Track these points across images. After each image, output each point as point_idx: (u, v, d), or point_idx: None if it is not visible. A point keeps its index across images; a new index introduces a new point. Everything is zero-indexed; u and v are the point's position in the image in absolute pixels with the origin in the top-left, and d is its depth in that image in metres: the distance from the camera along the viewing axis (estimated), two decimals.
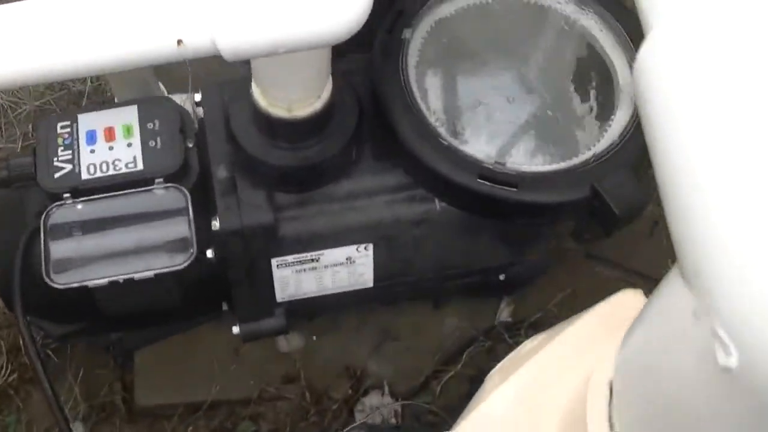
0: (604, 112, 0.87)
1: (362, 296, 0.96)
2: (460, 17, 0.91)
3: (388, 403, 1.11)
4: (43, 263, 0.79)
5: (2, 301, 0.91)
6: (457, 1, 0.91)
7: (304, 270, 0.90)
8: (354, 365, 1.13)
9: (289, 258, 0.89)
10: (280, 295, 0.94)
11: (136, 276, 0.80)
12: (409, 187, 0.87)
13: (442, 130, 0.84)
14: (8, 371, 1.12)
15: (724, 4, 0.39)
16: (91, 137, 0.83)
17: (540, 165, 0.84)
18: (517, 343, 0.78)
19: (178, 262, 0.81)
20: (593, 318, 0.67)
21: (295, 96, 0.78)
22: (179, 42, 0.57)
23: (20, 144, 1.27)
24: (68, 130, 0.84)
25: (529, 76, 0.92)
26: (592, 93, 0.89)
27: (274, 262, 0.89)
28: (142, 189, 0.82)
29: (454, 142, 0.84)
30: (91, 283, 0.80)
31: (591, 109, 0.89)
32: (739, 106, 0.37)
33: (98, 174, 0.81)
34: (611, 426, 0.53)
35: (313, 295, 0.95)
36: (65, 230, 0.81)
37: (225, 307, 0.99)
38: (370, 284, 0.94)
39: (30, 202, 0.85)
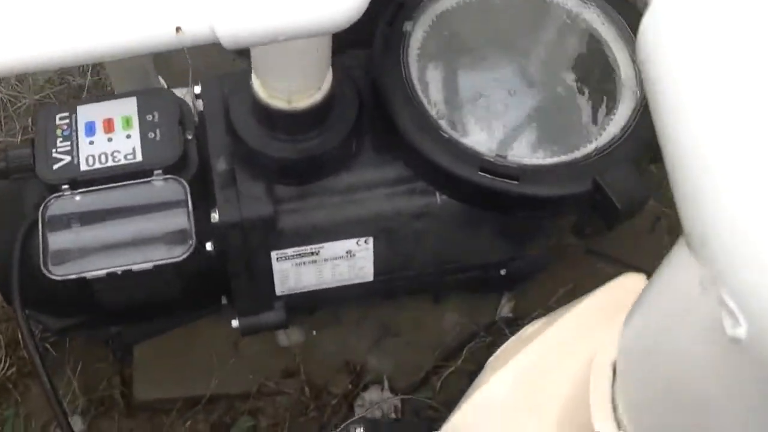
0: (606, 106, 0.87)
1: (362, 290, 0.96)
2: (462, 10, 0.90)
3: (388, 398, 1.10)
4: (41, 254, 0.79)
5: (0, 295, 0.91)
6: None
7: (304, 263, 0.90)
8: (354, 360, 1.12)
9: (289, 251, 0.88)
10: (280, 289, 0.94)
11: (135, 267, 0.80)
12: (409, 180, 0.87)
13: (442, 123, 0.84)
14: (7, 365, 1.11)
15: None
16: (90, 129, 0.83)
17: (541, 158, 0.83)
18: None
19: (177, 254, 0.80)
20: (594, 302, 0.67)
21: (294, 87, 0.78)
22: (178, 29, 0.57)
23: (20, 138, 1.27)
24: (67, 121, 0.83)
25: (530, 69, 0.91)
26: (594, 86, 0.89)
27: (273, 255, 0.89)
28: (141, 180, 0.82)
29: (455, 135, 0.83)
30: (89, 275, 0.80)
31: (593, 103, 0.88)
32: (742, 71, 0.36)
33: (97, 165, 0.81)
34: (614, 407, 0.53)
35: (312, 288, 0.94)
36: (64, 222, 0.81)
37: (224, 300, 0.99)
38: (370, 278, 0.94)
39: (28, 194, 0.85)
